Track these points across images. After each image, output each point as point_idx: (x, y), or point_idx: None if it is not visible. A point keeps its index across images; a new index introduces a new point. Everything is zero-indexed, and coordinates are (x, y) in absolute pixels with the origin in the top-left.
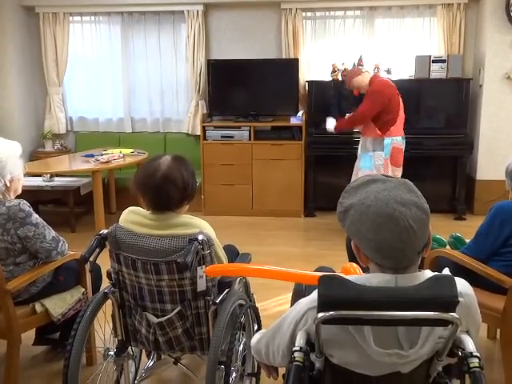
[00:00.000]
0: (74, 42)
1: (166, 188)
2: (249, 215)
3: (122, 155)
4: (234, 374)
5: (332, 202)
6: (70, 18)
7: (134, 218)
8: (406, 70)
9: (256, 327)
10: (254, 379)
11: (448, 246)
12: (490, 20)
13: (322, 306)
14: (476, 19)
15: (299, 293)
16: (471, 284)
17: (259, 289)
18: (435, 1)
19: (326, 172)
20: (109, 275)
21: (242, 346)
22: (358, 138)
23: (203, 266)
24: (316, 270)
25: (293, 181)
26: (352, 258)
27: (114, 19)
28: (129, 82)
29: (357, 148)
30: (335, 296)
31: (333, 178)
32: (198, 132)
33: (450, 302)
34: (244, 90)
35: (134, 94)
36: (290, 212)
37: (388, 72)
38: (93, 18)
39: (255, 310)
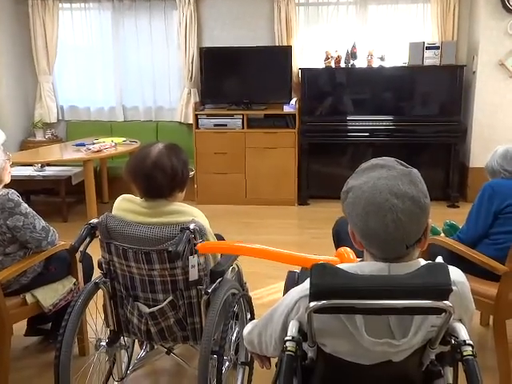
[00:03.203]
0: (64, 30)
1: (155, 175)
2: (242, 204)
3: (113, 144)
4: (226, 364)
5: (326, 190)
6: (60, 4)
7: (127, 205)
8: (399, 57)
9: (249, 316)
10: (247, 368)
11: (442, 234)
12: (484, 6)
13: (314, 295)
14: (470, 5)
15: (292, 281)
16: (465, 271)
17: (252, 278)
18: None
19: (320, 160)
20: (100, 265)
21: (235, 335)
22: (352, 125)
23: (195, 256)
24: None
25: (286, 169)
26: (337, 244)
27: (104, 6)
28: (120, 70)
29: (352, 135)
30: (327, 285)
31: (326, 166)
32: (191, 120)
33: (444, 290)
34: (237, 77)
35: (125, 83)
36: (283, 200)
37: (382, 59)
38: (83, 4)
39: (248, 299)
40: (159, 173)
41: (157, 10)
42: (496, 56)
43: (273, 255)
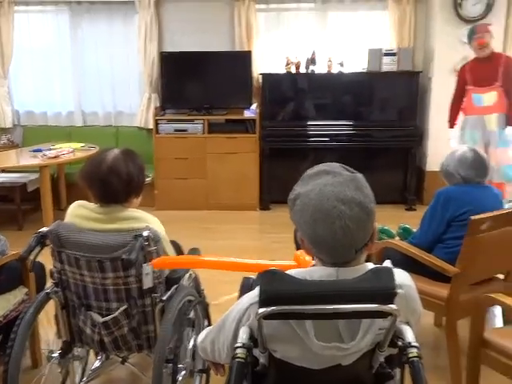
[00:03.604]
0: (20, 33)
1: (110, 180)
2: (203, 209)
3: (71, 150)
4: (183, 372)
5: (287, 194)
6: (15, 7)
7: (81, 211)
8: (358, 63)
9: (206, 323)
10: (204, 376)
11: (397, 237)
12: (438, 14)
13: (264, 301)
14: (426, 13)
15: (246, 287)
16: (418, 273)
17: (211, 284)
18: None
19: (281, 165)
20: (52, 274)
21: (191, 342)
22: (313, 130)
23: (149, 263)
24: None
25: (247, 174)
26: (299, 249)
27: (61, 9)
28: (79, 74)
29: (313, 140)
30: (276, 291)
31: (288, 170)
32: (151, 126)
33: (389, 293)
34: (197, 82)
35: (84, 87)
36: (244, 205)
37: (341, 65)
38: (39, 7)
39: (205, 306)
40: (115, 178)
41: (116, 13)
42: (450, 62)
43: (230, 266)
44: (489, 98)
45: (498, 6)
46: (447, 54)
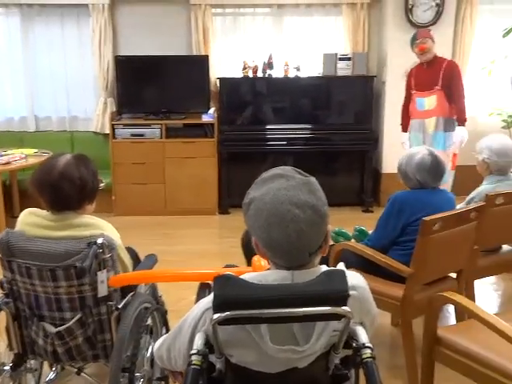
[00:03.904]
0: None
1: (62, 186)
2: (162, 214)
3: (23, 156)
4: (141, 381)
5: None
6: None
7: (32, 219)
8: (314, 68)
9: (164, 331)
10: (163, 383)
11: (353, 240)
12: (391, 20)
13: (218, 306)
14: (379, 19)
15: (203, 293)
16: (373, 274)
17: (172, 288)
18: (340, 0)
19: (240, 169)
20: (1, 285)
21: (150, 350)
22: (270, 134)
23: (104, 271)
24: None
25: (206, 178)
26: (247, 254)
27: (11, 11)
28: (31, 78)
29: (271, 144)
30: (230, 296)
31: (247, 174)
32: (107, 130)
33: (342, 295)
34: (154, 87)
35: (37, 91)
36: (204, 210)
37: (297, 69)
38: None
39: (163, 313)
40: (67, 183)
41: (69, 16)
42: (403, 67)
43: (188, 277)
44: (429, 101)
45: (447, 13)
46: (399, 59)
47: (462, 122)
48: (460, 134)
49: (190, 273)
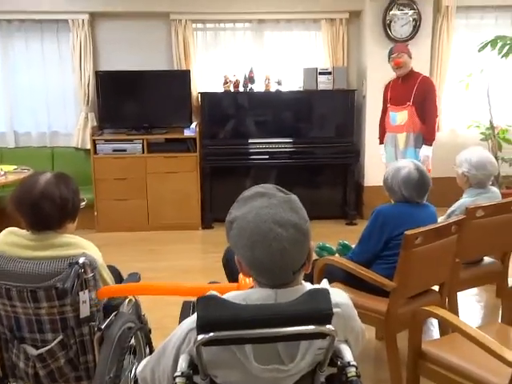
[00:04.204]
0: None
1: (42, 205)
2: (145, 230)
3: (3, 173)
4: None
5: None
6: None
7: (12, 239)
8: (295, 82)
9: (148, 350)
10: None
11: (337, 254)
12: (369, 35)
13: (201, 327)
14: (358, 34)
15: (187, 312)
16: (357, 288)
17: (155, 306)
18: (319, 15)
19: (223, 183)
20: None
21: (133, 371)
22: (253, 148)
23: (86, 291)
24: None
25: (189, 193)
26: (229, 275)
27: None
28: (10, 93)
29: (253, 158)
30: (213, 317)
31: (230, 188)
32: (89, 146)
33: (325, 314)
34: (135, 102)
35: (16, 107)
36: (187, 225)
37: (278, 83)
38: None
39: (146, 332)
40: (47, 202)
41: (49, 31)
42: (382, 81)
43: (173, 290)
44: (401, 116)
45: (424, 27)
46: (379, 73)
47: (429, 141)
48: (424, 153)
49: (177, 286)
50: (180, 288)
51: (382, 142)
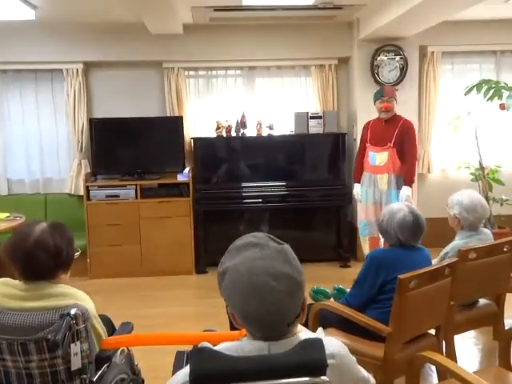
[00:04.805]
0: None
1: (36, 254)
2: (138, 276)
3: None
4: None
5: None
6: None
7: (5, 289)
8: (286, 126)
9: None
10: None
11: (332, 298)
12: (358, 79)
13: (195, 381)
14: (347, 79)
15: (180, 362)
16: (353, 333)
17: (148, 355)
18: (309, 62)
19: (216, 227)
20: None
21: None
22: (245, 192)
23: (77, 343)
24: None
25: (182, 238)
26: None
27: None
28: (3, 141)
29: (247, 202)
30: (206, 370)
31: (223, 232)
32: (82, 192)
33: (319, 365)
34: (129, 148)
35: (10, 154)
36: (180, 270)
37: (270, 128)
38: None
39: (139, 383)
40: (41, 252)
41: (43, 80)
42: None
43: (181, 340)
44: (381, 157)
45: (410, 72)
46: (368, 117)
47: (408, 182)
48: (405, 193)
49: (184, 336)
50: (187, 337)
51: (358, 181)
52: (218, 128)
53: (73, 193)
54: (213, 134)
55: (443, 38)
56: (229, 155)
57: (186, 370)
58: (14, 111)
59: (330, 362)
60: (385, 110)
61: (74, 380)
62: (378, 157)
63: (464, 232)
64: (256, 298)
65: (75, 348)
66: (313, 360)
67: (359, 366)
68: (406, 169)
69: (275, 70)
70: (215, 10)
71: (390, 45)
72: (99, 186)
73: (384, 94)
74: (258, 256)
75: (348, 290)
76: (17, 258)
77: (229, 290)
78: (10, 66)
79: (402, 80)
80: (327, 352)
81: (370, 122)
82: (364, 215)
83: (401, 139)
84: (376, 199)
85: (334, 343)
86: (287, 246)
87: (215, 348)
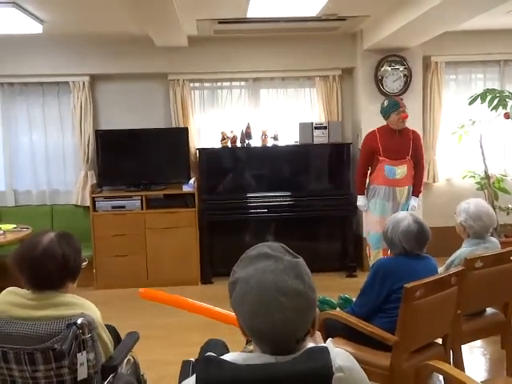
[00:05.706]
0: None
1: (44, 263)
2: (144, 286)
3: (2, 232)
4: None
5: (229, 267)
6: None
7: (12, 298)
8: (291, 136)
9: None
10: None
11: (338, 308)
12: (362, 90)
13: None
14: (352, 90)
15: (186, 371)
16: (359, 343)
17: (154, 365)
18: (313, 73)
19: (222, 237)
20: None
21: None
22: (251, 202)
23: (84, 352)
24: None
25: (188, 248)
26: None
27: None
28: (11, 152)
29: (252, 212)
30: (213, 378)
31: (229, 242)
32: (88, 203)
33: (325, 373)
34: (135, 159)
35: (16, 166)
36: (186, 280)
37: (275, 138)
38: None
39: None
40: (49, 261)
41: (50, 93)
42: None
43: (207, 312)
44: (401, 171)
45: (414, 82)
46: (373, 126)
47: (417, 192)
48: (414, 203)
49: (218, 312)
50: (223, 315)
51: (362, 193)
52: (224, 139)
53: (79, 204)
54: (218, 145)
55: (447, 48)
56: (234, 166)
57: (193, 379)
58: (21, 123)
59: (338, 375)
60: (403, 120)
61: None
62: (399, 170)
63: (471, 240)
64: (263, 314)
65: (81, 358)
66: (318, 368)
67: (368, 381)
68: (418, 180)
69: (280, 81)
70: (220, 22)
71: (393, 55)
72: (105, 197)
73: (400, 104)
74: (271, 269)
75: (354, 299)
76: (25, 267)
77: (238, 304)
78: (17, 79)
79: (406, 90)
80: (336, 365)
81: (373, 132)
82: (379, 228)
83: (414, 151)
84: (394, 212)
85: (341, 355)
86: (301, 261)
87: (221, 357)
